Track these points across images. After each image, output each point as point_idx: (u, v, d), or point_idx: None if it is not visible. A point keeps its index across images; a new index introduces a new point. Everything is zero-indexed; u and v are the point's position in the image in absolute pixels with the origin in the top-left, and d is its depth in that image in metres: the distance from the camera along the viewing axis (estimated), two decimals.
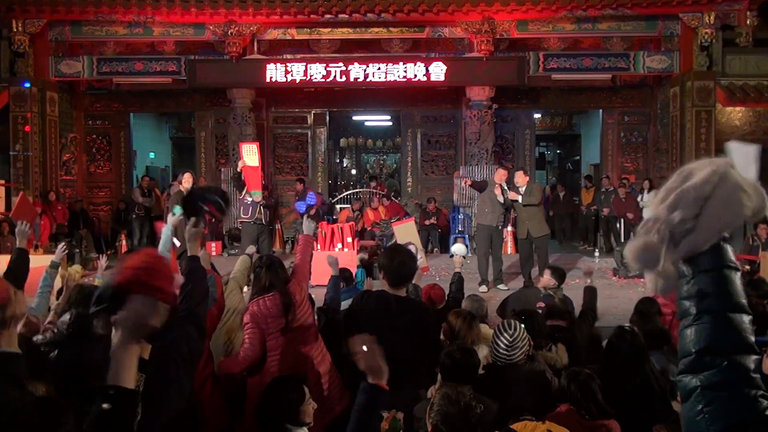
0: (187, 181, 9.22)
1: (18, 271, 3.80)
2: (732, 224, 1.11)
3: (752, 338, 1.09)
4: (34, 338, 3.13)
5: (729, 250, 1.13)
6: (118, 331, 1.63)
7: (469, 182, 9.07)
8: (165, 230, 4.51)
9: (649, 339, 3.70)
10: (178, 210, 4.90)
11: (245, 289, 5.12)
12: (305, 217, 4.34)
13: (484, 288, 8.35)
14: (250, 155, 8.57)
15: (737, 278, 1.12)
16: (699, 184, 1.11)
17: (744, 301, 1.10)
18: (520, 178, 8.40)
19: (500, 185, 8.42)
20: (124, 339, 1.62)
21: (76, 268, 4.29)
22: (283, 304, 3.36)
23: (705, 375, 1.06)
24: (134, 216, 11.98)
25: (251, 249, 5.15)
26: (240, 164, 8.53)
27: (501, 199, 8.40)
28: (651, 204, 1.16)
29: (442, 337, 3.82)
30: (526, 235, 8.53)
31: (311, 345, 3.41)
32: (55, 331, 3.11)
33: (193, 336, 2.39)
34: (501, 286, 8.60)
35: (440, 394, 2.36)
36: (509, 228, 11.61)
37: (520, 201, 8.35)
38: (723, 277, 1.11)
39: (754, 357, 1.08)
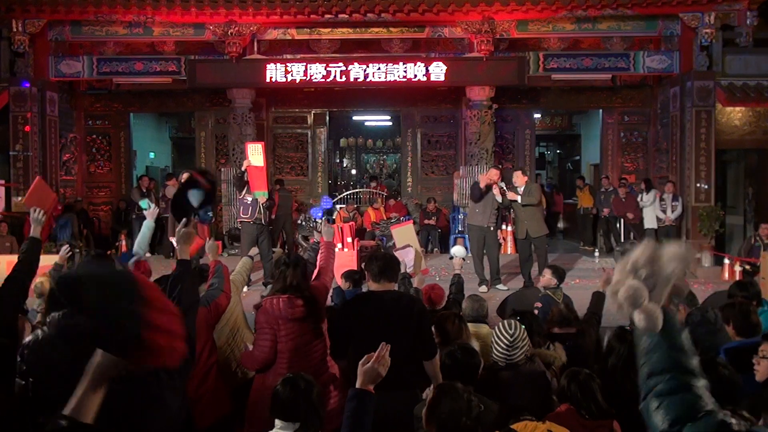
0: (173, 186, 9.27)
1: (28, 263, 3.66)
2: (674, 277, 1.42)
3: (694, 364, 1.40)
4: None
5: (675, 314, 1.48)
6: (97, 360, 1.51)
7: (459, 175, 8.96)
8: (144, 226, 4.50)
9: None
10: (145, 204, 4.92)
11: (244, 289, 5.14)
12: (323, 221, 4.33)
13: (483, 288, 8.34)
14: (255, 155, 8.54)
15: (684, 333, 1.45)
16: (644, 251, 1.44)
17: (687, 345, 1.43)
18: (519, 179, 8.40)
19: (498, 185, 8.41)
20: (92, 384, 1.50)
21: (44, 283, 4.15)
22: (305, 308, 3.31)
23: (657, 388, 1.43)
24: (134, 216, 11.97)
25: (254, 251, 5.16)
26: (245, 164, 8.50)
27: (500, 199, 8.39)
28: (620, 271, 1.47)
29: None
30: (525, 235, 8.52)
31: (320, 353, 3.39)
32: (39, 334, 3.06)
33: None
34: (500, 286, 8.60)
35: (438, 391, 2.35)
36: (509, 228, 11.64)
37: (519, 201, 8.35)
38: (670, 327, 1.45)
39: (697, 378, 1.38)
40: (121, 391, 1.67)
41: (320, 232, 5.43)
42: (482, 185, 8.33)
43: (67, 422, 1.48)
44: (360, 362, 2.24)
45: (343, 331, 3.36)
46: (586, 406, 2.79)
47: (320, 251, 3.87)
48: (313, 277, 3.73)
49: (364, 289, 4.69)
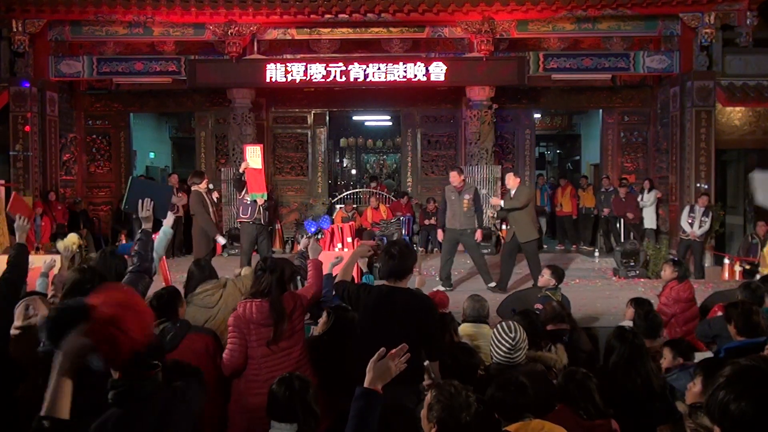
0: (173, 184, 9.26)
1: (18, 267, 3.73)
2: None
3: None
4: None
5: None
6: (59, 358, 1.56)
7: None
8: (162, 232, 4.51)
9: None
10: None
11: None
12: (311, 239, 4.22)
13: (440, 288, 7.95)
14: (253, 157, 8.55)
15: None
16: None
17: None
18: (511, 180, 8.26)
19: (459, 190, 8.24)
20: (63, 367, 1.55)
21: (73, 239, 4.25)
22: (272, 312, 3.29)
23: None
24: (134, 216, 11.98)
25: (222, 240, 5.13)
26: (243, 165, 8.51)
27: (468, 206, 8.25)
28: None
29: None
30: (511, 238, 8.35)
31: (295, 359, 3.34)
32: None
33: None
34: (491, 285, 8.36)
35: (436, 390, 2.33)
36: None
37: (502, 205, 8.26)
38: None
39: None
40: (133, 409, 1.77)
41: (308, 238, 5.43)
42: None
43: (49, 422, 1.51)
44: (372, 359, 2.21)
45: (363, 321, 3.42)
46: (583, 406, 2.78)
47: (308, 270, 3.81)
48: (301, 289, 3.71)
49: None
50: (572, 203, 12.94)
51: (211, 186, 8.59)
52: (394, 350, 2.23)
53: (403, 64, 10.82)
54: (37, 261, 5.04)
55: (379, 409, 2.18)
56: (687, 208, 10.28)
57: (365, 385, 2.17)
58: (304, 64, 10.84)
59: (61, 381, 1.55)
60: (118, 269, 3.88)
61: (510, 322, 3.39)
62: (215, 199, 8.48)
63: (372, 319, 3.36)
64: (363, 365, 2.16)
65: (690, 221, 10.07)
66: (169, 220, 4.63)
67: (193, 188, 8.13)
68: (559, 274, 5.58)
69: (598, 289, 8.58)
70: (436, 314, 3.49)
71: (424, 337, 3.24)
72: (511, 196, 8.26)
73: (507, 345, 3.26)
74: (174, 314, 3.60)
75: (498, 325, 3.39)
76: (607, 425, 2.80)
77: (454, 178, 8.30)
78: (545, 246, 12.78)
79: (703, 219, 9.98)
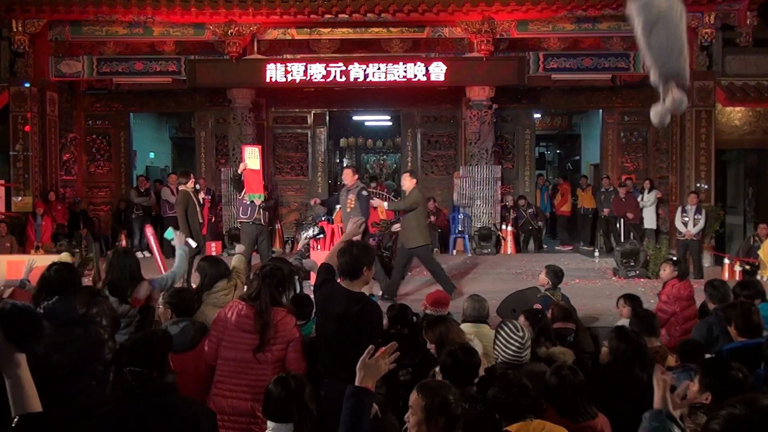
0: (172, 184, 9.26)
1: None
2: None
3: None
4: None
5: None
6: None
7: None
8: (179, 248, 4.56)
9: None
10: (170, 234, 4.97)
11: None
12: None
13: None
14: (252, 158, 8.55)
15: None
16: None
17: None
18: (406, 182, 7.81)
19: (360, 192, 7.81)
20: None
21: (64, 257, 4.33)
22: (258, 320, 3.25)
23: None
24: (134, 216, 12.00)
25: (240, 248, 5.24)
26: (242, 166, 8.51)
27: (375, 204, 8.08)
28: None
29: (430, 346, 3.73)
30: (400, 244, 7.96)
31: (269, 374, 3.19)
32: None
33: None
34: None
35: (433, 390, 2.33)
36: (509, 228, 11.65)
37: (386, 206, 8.08)
38: None
39: None
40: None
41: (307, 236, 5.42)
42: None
43: (19, 419, 1.53)
44: (361, 358, 2.22)
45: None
46: (563, 405, 2.77)
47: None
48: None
49: None
50: (565, 202, 12.97)
51: (197, 186, 8.56)
52: (383, 348, 2.24)
53: (403, 64, 10.82)
54: (39, 260, 5.03)
55: (371, 406, 2.19)
56: (679, 209, 10.23)
57: (356, 383, 2.18)
58: (304, 64, 10.84)
59: (12, 379, 1.54)
60: (131, 268, 3.89)
61: (515, 322, 3.41)
62: (202, 200, 8.46)
63: (320, 316, 3.40)
64: (322, 362, 2.18)
65: (684, 221, 10.01)
66: (180, 240, 4.67)
67: (180, 188, 8.12)
68: (557, 273, 5.57)
69: (598, 289, 8.58)
70: (373, 320, 3.30)
71: (360, 340, 3.16)
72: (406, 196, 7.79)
73: (516, 344, 3.27)
74: (192, 314, 3.63)
75: (504, 325, 3.39)
76: (593, 426, 2.78)
77: (347, 176, 8.01)
78: (545, 246, 12.80)
79: (696, 217, 9.90)
